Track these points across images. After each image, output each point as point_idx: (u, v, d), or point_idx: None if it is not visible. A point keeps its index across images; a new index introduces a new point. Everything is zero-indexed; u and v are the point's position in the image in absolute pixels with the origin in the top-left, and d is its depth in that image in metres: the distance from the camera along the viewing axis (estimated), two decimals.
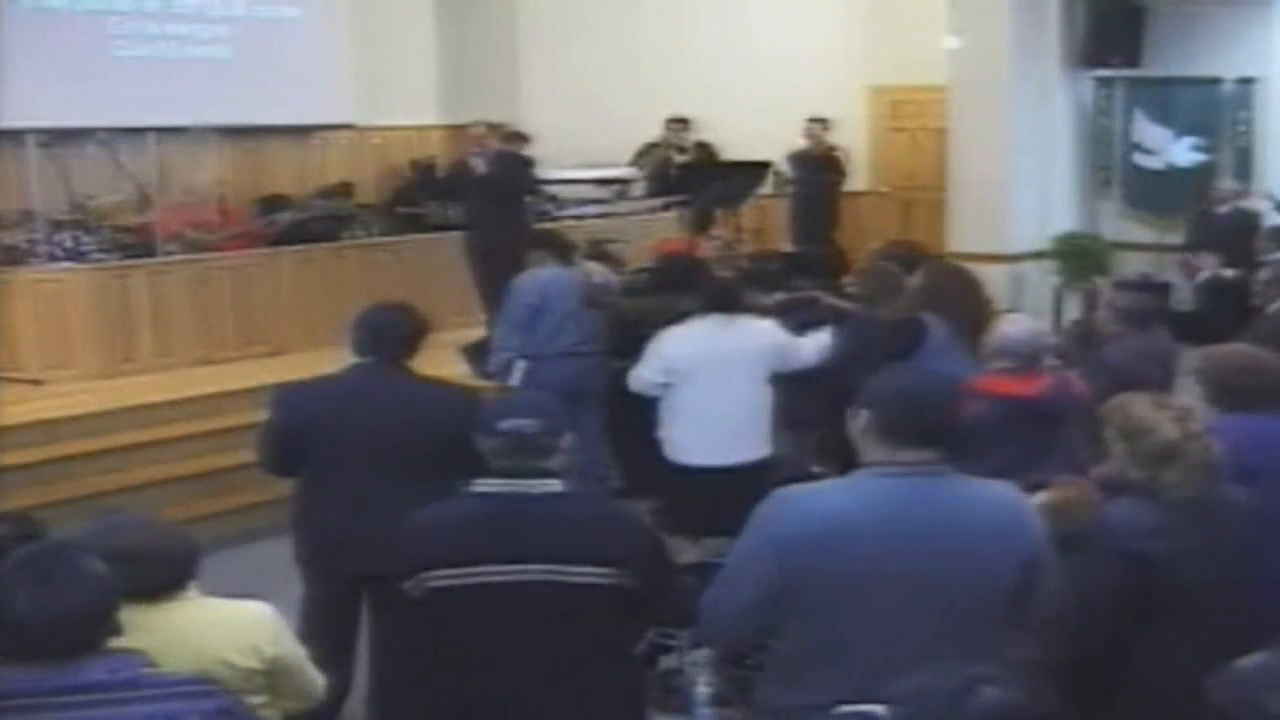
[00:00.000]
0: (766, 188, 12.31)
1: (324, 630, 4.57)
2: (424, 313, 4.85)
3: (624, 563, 3.21)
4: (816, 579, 2.90)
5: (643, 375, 6.00)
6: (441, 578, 3.20)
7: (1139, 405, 3.50)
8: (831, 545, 2.89)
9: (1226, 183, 10.94)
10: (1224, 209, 10.49)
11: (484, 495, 3.24)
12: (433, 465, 4.39)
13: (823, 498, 3.01)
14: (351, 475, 4.52)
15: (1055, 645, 3.34)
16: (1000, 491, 3.08)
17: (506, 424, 3.23)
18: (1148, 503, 3.36)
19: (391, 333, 4.67)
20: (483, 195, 9.59)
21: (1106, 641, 3.31)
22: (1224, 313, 7.41)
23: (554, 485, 3.24)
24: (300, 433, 4.60)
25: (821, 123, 12.47)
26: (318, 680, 3.33)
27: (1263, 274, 6.58)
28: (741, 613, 3.03)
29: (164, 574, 3.04)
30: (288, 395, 4.76)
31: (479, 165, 9.66)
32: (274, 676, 3.14)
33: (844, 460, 3.26)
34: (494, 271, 9.26)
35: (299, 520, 4.71)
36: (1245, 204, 10.53)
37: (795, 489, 3.09)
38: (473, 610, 3.21)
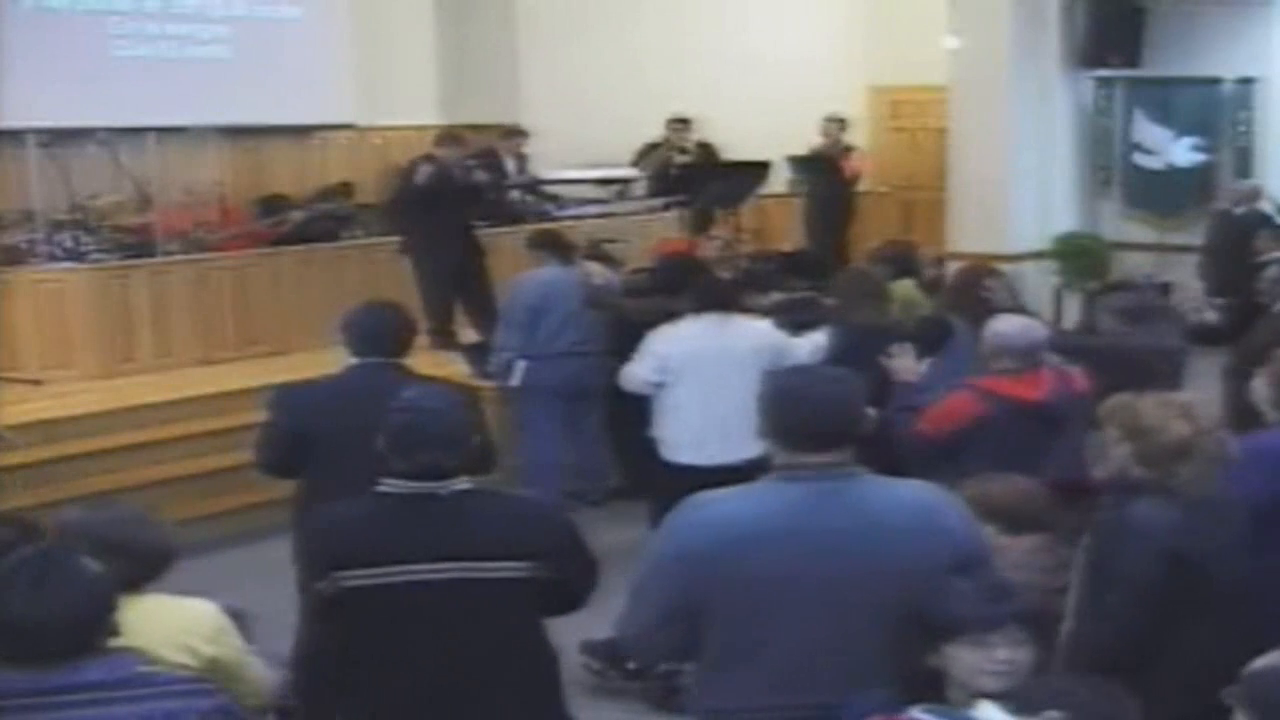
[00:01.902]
0: (781, 187, 12.33)
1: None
2: (410, 310, 4.85)
3: (537, 555, 3.22)
4: (723, 586, 2.88)
5: (636, 373, 5.99)
6: (356, 577, 3.20)
7: (1144, 404, 3.49)
8: (735, 552, 2.86)
9: (1244, 183, 10.98)
10: (1240, 209, 10.54)
11: (394, 495, 3.25)
12: None
13: (727, 505, 2.98)
14: (355, 475, 4.45)
15: (1088, 647, 3.34)
16: (919, 492, 3.03)
17: (423, 456, 3.22)
18: (1168, 501, 3.35)
19: (387, 331, 4.67)
20: (466, 204, 9.60)
21: (1142, 641, 3.29)
22: None
23: (462, 483, 3.26)
24: (302, 434, 4.58)
25: (839, 122, 12.46)
26: (266, 679, 3.33)
27: (1270, 272, 6.57)
28: (653, 625, 2.99)
29: (125, 573, 3.02)
30: (288, 397, 4.74)
31: (479, 174, 9.67)
32: (216, 675, 3.10)
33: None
34: (469, 280, 9.31)
35: (301, 521, 4.70)
36: (1260, 205, 10.60)
37: (703, 495, 3.04)
38: (388, 609, 3.22)
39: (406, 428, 3.27)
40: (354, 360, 4.67)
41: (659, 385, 5.91)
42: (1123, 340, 5.61)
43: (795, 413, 2.92)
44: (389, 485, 3.26)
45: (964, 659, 2.52)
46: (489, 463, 4.64)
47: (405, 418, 3.29)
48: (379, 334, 4.65)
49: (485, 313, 8.90)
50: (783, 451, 2.93)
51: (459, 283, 9.28)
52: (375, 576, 3.19)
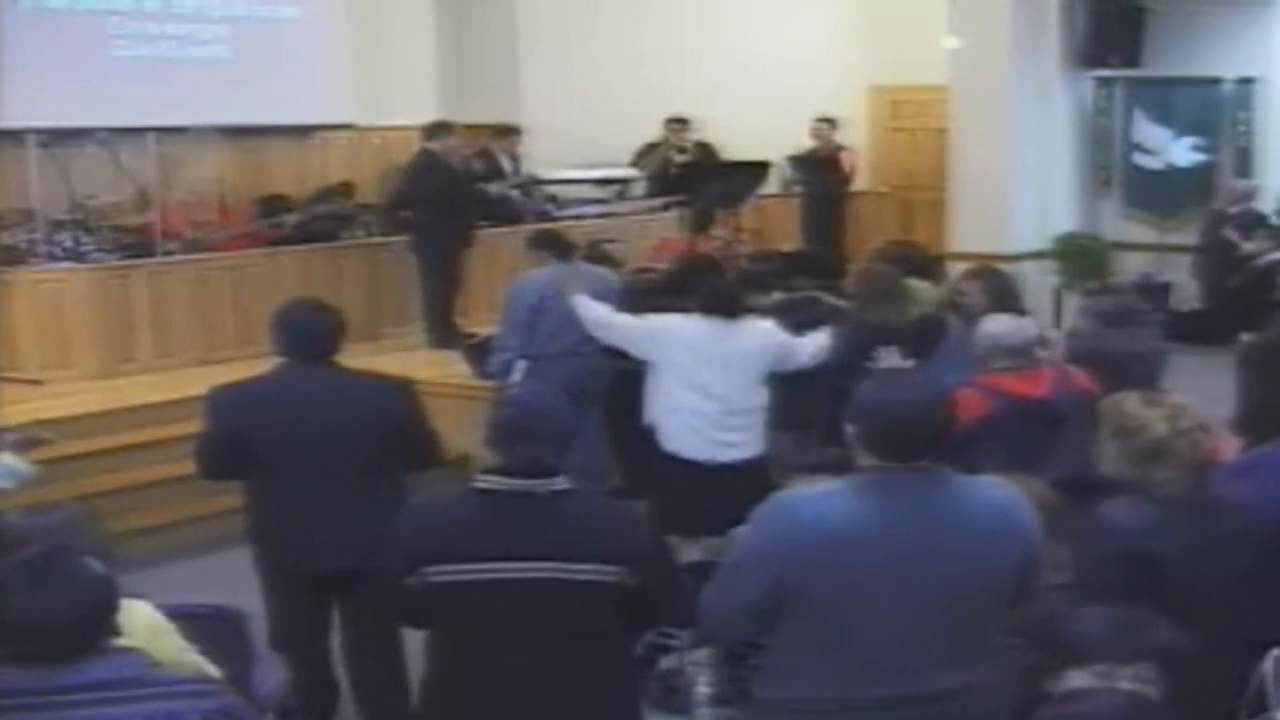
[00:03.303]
0: (773, 187, 12.34)
1: (295, 634, 4.54)
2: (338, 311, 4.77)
3: (627, 560, 3.21)
4: (816, 583, 2.94)
5: (620, 328, 6.10)
6: (444, 573, 3.19)
7: (1130, 403, 3.53)
8: (830, 550, 2.92)
9: (1240, 183, 10.99)
10: (1235, 209, 10.55)
11: (489, 492, 3.23)
12: (378, 456, 4.39)
13: (820, 503, 3.02)
14: (299, 475, 4.44)
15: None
16: (996, 492, 3.10)
17: (521, 452, 3.23)
18: (1141, 501, 3.37)
19: (321, 330, 4.59)
20: (474, 200, 9.70)
21: None
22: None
23: (559, 484, 3.24)
24: (242, 436, 4.49)
25: (829, 122, 12.51)
26: (214, 676, 3.32)
27: None
28: (741, 612, 3.08)
29: None
30: (224, 400, 4.61)
31: (475, 164, 9.81)
32: None
33: (840, 461, 3.28)
34: (456, 275, 9.50)
35: (253, 527, 4.63)
36: (1255, 205, 10.61)
37: (793, 493, 3.12)
38: (476, 606, 3.21)
39: (508, 423, 3.26)
40: (283, 359, 4.59)
41: (624, 349, 6.11)
42: (1098, 343, 5.59)
43: (888, 423, 2.97)
44: (485, 481, 3.24)
45: (1083, 687, 2.49)
46: (436, 455, 4.64)
47: (507, 413, 3.29)
48: (313, 335, 4.56)
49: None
50: (870, 457, 2.99)
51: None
52: (465, 572, 3.18)
